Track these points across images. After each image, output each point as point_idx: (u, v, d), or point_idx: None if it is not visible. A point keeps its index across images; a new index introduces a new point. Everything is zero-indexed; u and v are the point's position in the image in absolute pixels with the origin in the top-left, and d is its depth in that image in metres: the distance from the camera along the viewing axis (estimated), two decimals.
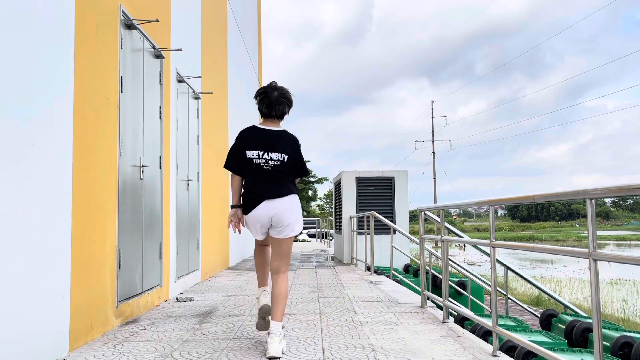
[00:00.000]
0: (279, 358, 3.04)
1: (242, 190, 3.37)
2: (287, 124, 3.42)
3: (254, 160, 3.23)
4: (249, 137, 3.28)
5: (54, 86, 3.07)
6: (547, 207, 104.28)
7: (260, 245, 3.59)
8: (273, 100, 3.27)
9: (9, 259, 2.59)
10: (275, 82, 3.38)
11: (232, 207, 3.40)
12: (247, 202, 3.29)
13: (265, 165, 3.23)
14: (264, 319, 3.42)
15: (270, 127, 3.32)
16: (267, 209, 3.22)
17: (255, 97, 3.37)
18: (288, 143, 3.29)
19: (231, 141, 9.72)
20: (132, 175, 4.37)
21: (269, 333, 3.14)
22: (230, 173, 3.44)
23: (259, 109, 3.34)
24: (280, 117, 3.34)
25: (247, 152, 3.24)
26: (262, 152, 3.23)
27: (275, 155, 3.23)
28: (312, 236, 27.37)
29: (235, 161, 3.30)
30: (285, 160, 3.25)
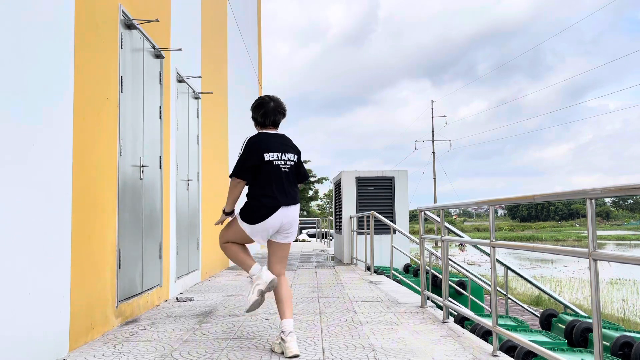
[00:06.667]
0: (299, 356, 3.08)
1: (252, 198, 3.28)
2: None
3: (274, 162, 3.26)
4: (263, 142, 3.29)
5: (54, 86, 3.07)
6: (547, 207, 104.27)
7: (232, 243, 3.44)
8: (269, 110, 3.39)
9: (9, 259, 2.59)
10: (270, 95, 3.51)
11: (226, 214, 3.42)
12: (261, 211, 3.21)
13: (284, 166, 3.29)
14: (262, 295, 3.31)
15: (273, 131, 3.42)
16: (282, 215, 3.25)
17: (252, 107, 3.46)
18: (293, 145, 3.45)
19: (231, 141, 9.72)
20: (132, 175, 4.37)
21: (288, 332, 3.12)
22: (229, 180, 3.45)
23: (254, 117, 3.44)
24: (275, 125, 3.44)
25: (266, 154, 3.24)
26: (280, 153, 3.30)
27: (291, 156, 3.35)
28: (312, 236, 27.36)
29: (249, 169, 3.24)
30: (296, 160, 3.39)
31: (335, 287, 6.27)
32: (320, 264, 9.77)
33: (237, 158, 3.33)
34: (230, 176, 3.30)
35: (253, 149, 3.26)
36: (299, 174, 3.42)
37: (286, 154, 3.31)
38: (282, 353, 3.16)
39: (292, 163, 3.33)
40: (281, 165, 3.27)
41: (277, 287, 3.33)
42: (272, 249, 3.42)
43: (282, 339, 3.15)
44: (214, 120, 8.28)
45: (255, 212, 3.24)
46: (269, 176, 3.23)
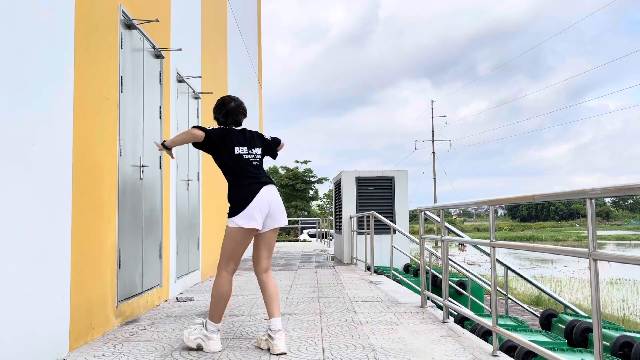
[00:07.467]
0: (286, 353, 3.13)
1: (233, 187, 3.31)
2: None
3: (244, 155, 3.37)
4: (233, 135, 3.40)
5: (53, 86, 3.07)
6: (547, 207, 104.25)
7: (231, 274, 3.35)
8: (230, 110, 3.47)
9: (9, 259, 2.59)
10: (231, 95, 3.59)
11: (164, 146, 3.55)
12: (246, 192, 3.26)
13: (254, 160, 3.41)
14: (199, 348, 3.25)
15: (237, 128, 3.50)
16: (266, 193, 3.33)
17: (214, 108, 3.55)
18: (257, 138, 3.51)
19: None
20: (132, 175, 4.37)
21: (277, 330, 3.16)
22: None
23: (216, 118, 3.53)
24: (238, 125, 3.51)
25: (236, 148, 3.36)
26: (248, 148, 3.41)
27: (257, 151, 3.44)
28: (312, 236, 27.35)
29: (216, 134, 3.35)
30: (261, 153, 3.48)
31: (335, 287, 6.27)
32: (320, 264, 9.78)
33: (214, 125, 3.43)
34: (194, 126, 3.37)
35: (223, 135, 3.36)
36: (271, 153, 3.58)
37: (253, 149, 3.41)
38: (269, 350, 3.20)
39: (260, 157, 3.45)
40: (251, 159, 3.39)
41: (266, 284, 3.37)
42: (261, 240, 3.43)
43: (269, 337, 3.18)
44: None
45: (241, 193, 3.27)
46: (242, 167, 3.34)
